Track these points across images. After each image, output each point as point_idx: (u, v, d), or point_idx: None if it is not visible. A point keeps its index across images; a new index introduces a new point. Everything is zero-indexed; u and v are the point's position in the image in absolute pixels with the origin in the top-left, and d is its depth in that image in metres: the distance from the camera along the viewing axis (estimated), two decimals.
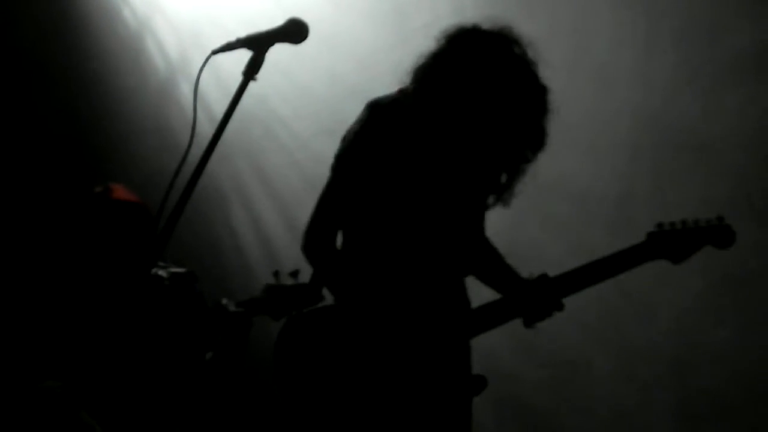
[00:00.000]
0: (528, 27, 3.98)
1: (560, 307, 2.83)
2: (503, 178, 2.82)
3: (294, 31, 2.36)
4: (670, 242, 2.87)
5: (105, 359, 3.14)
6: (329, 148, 4.57)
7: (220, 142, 2.24)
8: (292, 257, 4.53)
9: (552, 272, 2.78)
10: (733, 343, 3.72)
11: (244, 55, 2.31)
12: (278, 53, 2.39)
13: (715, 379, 3.75)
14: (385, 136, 2.79)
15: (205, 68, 2.31)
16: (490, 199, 2.86)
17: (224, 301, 3.12)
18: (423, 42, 2.70)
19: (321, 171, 4.61)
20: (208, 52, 2.34)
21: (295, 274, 3.13)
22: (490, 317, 2.88)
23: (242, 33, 2.34)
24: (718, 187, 3.74)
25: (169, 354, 3.18)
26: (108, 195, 3.27)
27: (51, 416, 3.02)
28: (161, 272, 3.33)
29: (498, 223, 2.96)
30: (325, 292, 3.03)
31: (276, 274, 3.14)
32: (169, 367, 3.19)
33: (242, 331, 3.17)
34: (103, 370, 3.12)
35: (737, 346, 3.71)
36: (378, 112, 2.81)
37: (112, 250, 3.22)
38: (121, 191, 3.29)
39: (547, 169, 2.82)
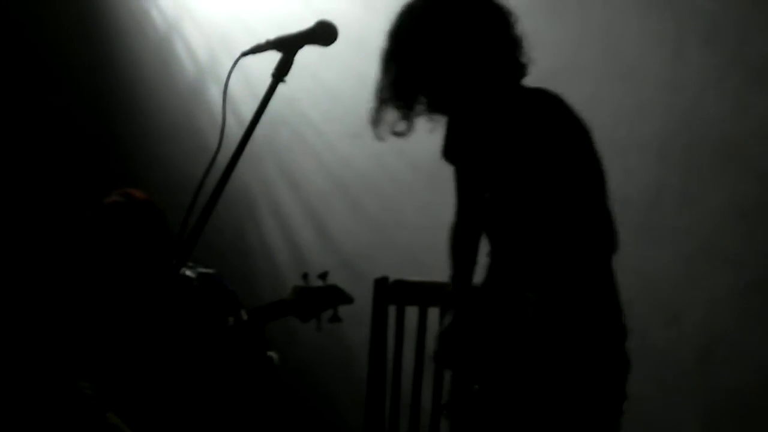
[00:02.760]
0: (558, 29, 3.99)
1: None
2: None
3: (323, 34, 2.37)
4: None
5: (133, 360, 3.15)
6: (357, 151, 4.61)
7: (248, 145, 2.25)
8: (319, 259, 4.57)
9: None
10: (759, 347, 3.70)
11: (273, 57, 2.32)
12: (307, 55, 2.39)
13: (740, 382, 3.73)
14: None
15: (234, 70, 2.32)
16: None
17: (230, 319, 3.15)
18: None
19: (349, 174, 4.65)
20: (237, 54, 2.35)
21: (324, 276, 3.14)
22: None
23: (271, 35, 2.35)
24: (746, 188, 3.72)
25: (198, 354, 3.20)
26: (120, 196, 3.30)
27: (76, 415, 3.04)
28: (189, 272, 3.35)
29: None
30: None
31: (305, 276, 3.15)
32: (198, 368, 3.20)
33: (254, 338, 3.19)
34: (131, 370, 3.14)
35: (763, 350, 3.70)
36: None
37: (131, 248, 3.24)
38: (130, 192, 3.32)
39: None
